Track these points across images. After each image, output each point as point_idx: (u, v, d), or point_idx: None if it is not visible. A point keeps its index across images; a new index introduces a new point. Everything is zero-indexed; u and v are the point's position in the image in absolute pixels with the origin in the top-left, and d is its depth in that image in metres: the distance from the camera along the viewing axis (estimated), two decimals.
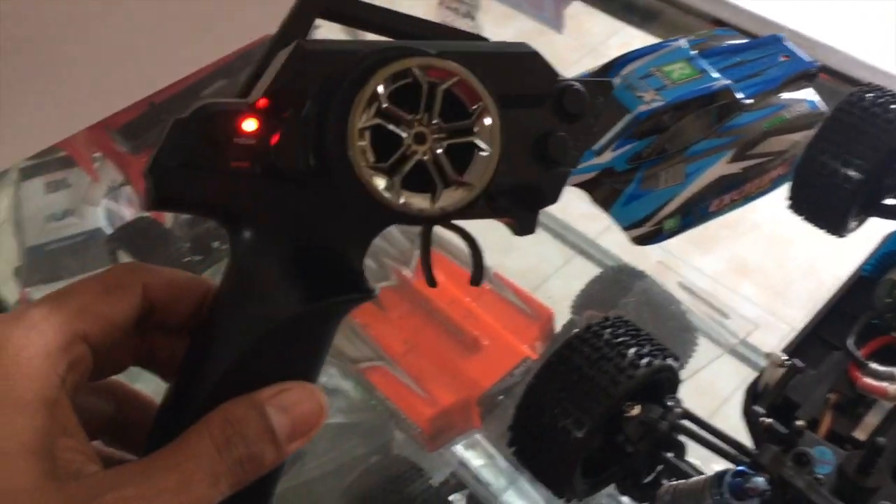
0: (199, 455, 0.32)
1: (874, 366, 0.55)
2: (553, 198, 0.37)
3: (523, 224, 0.37)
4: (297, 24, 0.36)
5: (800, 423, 0.53)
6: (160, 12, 1.03)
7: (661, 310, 0.99)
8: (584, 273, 1.31)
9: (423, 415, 1.01)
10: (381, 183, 0.32)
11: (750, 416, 0.55)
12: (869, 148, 0.67)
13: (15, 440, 0.29)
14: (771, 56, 0.87)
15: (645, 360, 0.55)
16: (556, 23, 1.13)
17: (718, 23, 1.00)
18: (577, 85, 0.36)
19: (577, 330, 1.05)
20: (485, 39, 0.37)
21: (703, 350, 0.98)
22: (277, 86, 0.33)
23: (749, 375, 1.10)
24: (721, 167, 0.80)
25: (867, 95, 0.70)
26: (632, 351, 0.55)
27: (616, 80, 0.84)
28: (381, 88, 0.32)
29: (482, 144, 0.33)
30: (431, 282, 0.40)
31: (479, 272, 0.39)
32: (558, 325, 1.11)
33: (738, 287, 1.66)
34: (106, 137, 1.29)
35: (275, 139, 0.33)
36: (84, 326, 0.33)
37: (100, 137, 1.30)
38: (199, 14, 1.07)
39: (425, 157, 0.33)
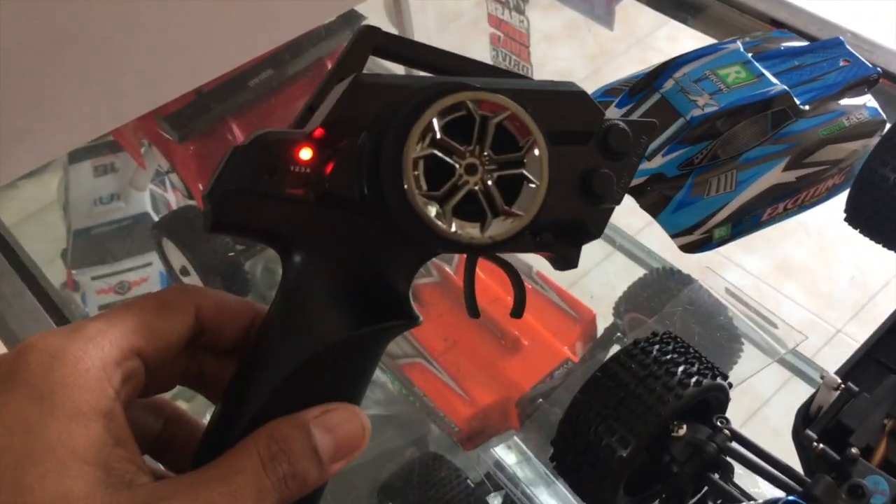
0: (245, 470, 0.33)
1: None
2: (597, 233, 0.38)
3: (566, 258, 0.38)
4: (351, 60, 0.38)
5: (854, 451, 0.51)
6: (211, 4, 1.03)
7: (708, 318, 0.97)
8: (623, 269, 1.29)
9: (461, 415, 1.01)
10: (432, 211, 0.33)
11: (801, 441, 0.53)
12: None
13: (70, 449, 0.30)
14: (830, 60, 0.84)
15: (694, 380, 0.53)
16: (607, 19, 1.11)
17: (775, 23, 0.97)
18: (622, 124, 0.37)
19: (619, 334, 1.04)
20: (529, 78, 0.39)
21: (751, 359, 0.96)
22: (335, 116, 0.34)
23: (790, 379, 1.08)
24: (775, 175, 0.78)
25: None
26: (681, 369, 0.54)
27: (669, 83, 0.82)
28: (435, 120, 0.33)
29: (531, 177, 0.34)
30: (475, 313, 0.40)
31: (520, 304, 0.40)
32: (600, 327, 1.09)
33: (783, 287, 1.63)
34: (153, 124, 1.29)
35: (330, 168, 0.34)
36: (139, 342, 0.34)
37: (146, 125, 1.31)
38: (248, 7, 1.07)
39: (476, 188, 0.34)
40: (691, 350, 0.56)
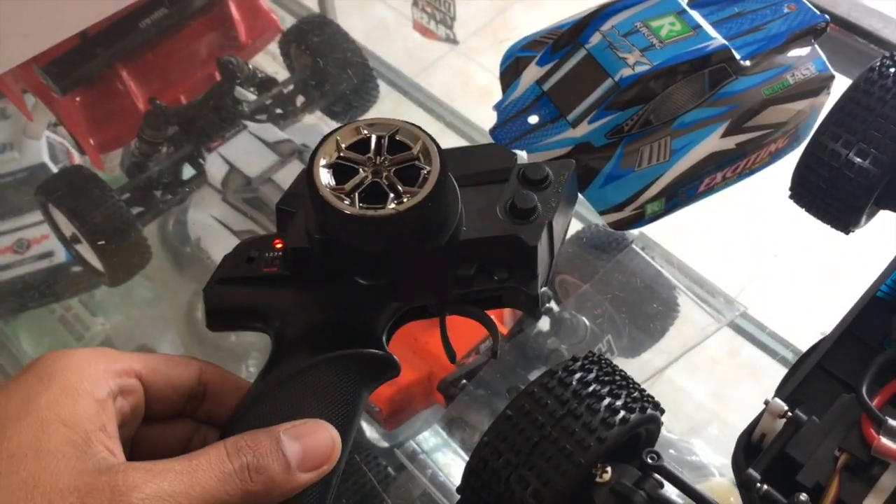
0: (208, 453, 0.35)
1: (893, 422, 0.46)
2: (532, 242, 0.42)
3: (527, 291, 0.43)
4: None
5: (802, 497, 0.44)
6: None
7: (643, 285, 0.90)
8: None
9: (381, 394, 0.93)
10: (345, 202, 0.39)
11: (743, 482, 0.46)
12: (891, 136, 0.57)
13: (54, 412, 0.34)
14: (774, 6, 0.75)
15: (620, 416, 0.46)
16: None
17: None
18: (536, 161, 0.46)
19: (549, 306, 0.96)
20: None
21: (688, 328, 0.90)
22: (288, 194, 0.45)
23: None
24: (713, 142, 0.69)
25: (891, 70, 0.59)
26: (604, 404, 0.46)
27: (595, 38, 0.72)
28: (339, 139, 0.41)
29: (424, 165, 0.41)
30: (453, 358, 0.47)
31: (497, 346, 0.47)
32: None
33: (714, 219, 1.57)
34: (32, 73, 1.15)
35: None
36: (141, 369, 0.39)
37: (27, 72, 1.17)
38: None
39: (378, 181, 0.40)
40: (618, 376, 0.48)
